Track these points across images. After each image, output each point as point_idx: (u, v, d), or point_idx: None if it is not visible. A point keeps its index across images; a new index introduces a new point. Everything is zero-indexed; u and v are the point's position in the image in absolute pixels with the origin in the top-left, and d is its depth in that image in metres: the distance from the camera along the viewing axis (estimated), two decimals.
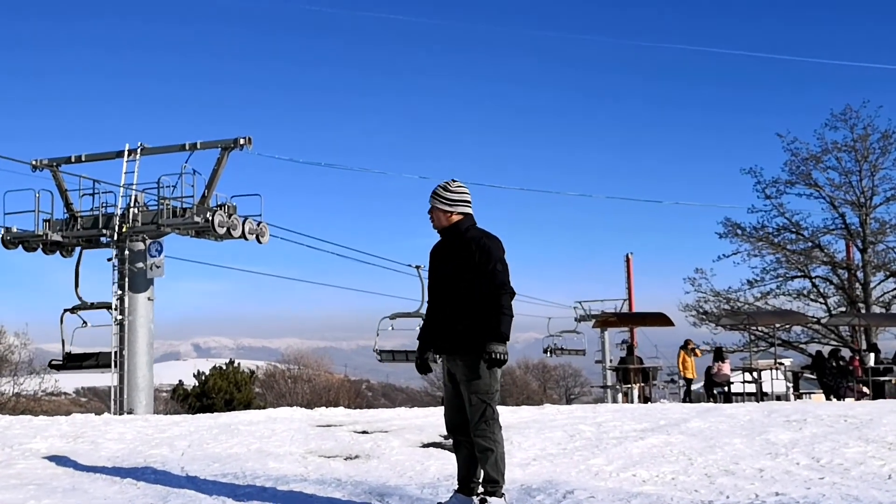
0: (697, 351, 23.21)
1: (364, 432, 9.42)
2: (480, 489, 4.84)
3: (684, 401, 21.17)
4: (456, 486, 5.00)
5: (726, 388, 22.36)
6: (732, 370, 24.47)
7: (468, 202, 5.05)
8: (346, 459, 7.35)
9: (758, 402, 18.53)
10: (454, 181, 5.04)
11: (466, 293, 4.78)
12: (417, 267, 27.95)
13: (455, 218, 4.99)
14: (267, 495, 5.54)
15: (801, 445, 7.85)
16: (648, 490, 5.71)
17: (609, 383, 33.80)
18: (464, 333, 4.75)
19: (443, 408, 5.07)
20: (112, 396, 21.08)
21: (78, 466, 6.68)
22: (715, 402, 21.86)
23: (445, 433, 5.04)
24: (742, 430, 9.21)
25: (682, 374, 22.58)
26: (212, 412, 15.84)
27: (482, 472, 4.80)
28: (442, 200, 4.97)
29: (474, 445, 4.79)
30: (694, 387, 25.08)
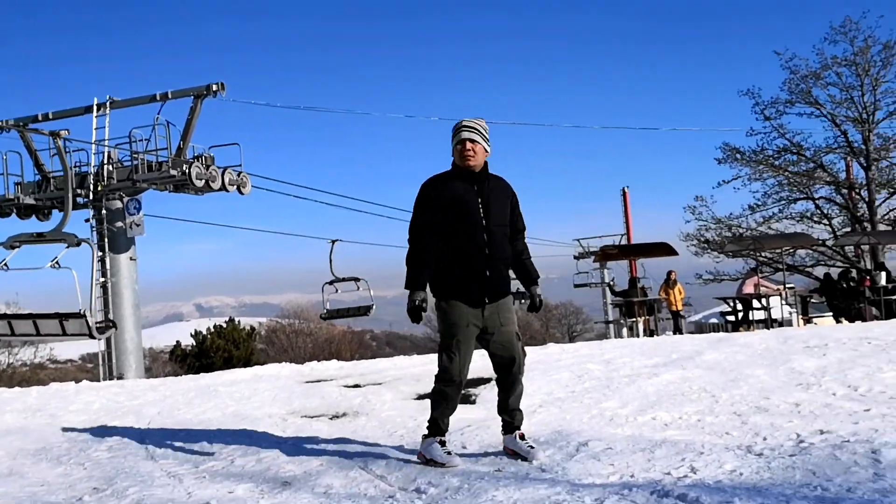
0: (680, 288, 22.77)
1: (356, 386, 8.72)
2: (515, 424, 4.71)
3: (674, 333, 20.73)
4: (445, 438, 4.73)
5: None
6: (735, 298, 23.88)
7: None
8: (331, 419, 6.62)
9: (767, 328, 17.94)
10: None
11: (506, 238, 4.62)
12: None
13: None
14: (233, 469, 4.78)
15: (831, 373, 7.12)
16: (673, 435, 4.96)
17: (612, 318, 33.27)
18: (507, 278, 4.65)
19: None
20: (101, 362, 20.38)
21: (25, 446, 5.93)
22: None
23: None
24: (762, 359, 8.49)
25: (668, 307, 22.37)
26: (211, 371, 15.22)
27: (519, 412, 4.73)
28: (485, 136, 4.48)
29: (514, 385, 4.64)
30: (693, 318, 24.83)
